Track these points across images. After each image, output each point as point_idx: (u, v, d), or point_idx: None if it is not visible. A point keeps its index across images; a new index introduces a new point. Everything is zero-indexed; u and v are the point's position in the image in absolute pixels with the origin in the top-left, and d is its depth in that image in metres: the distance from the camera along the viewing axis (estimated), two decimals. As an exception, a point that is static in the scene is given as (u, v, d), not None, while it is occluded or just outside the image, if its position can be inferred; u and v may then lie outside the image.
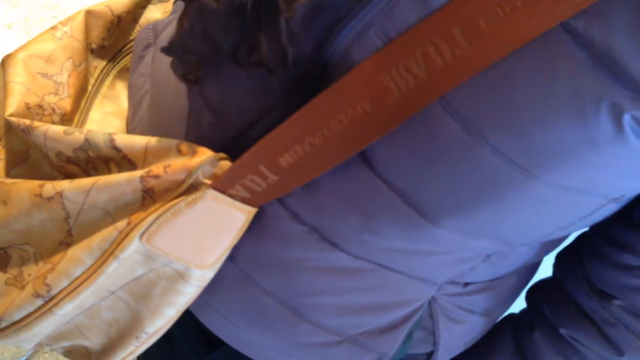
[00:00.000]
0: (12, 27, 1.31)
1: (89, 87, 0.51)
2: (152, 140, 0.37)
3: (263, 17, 0.31)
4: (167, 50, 0.33)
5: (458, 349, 0.46)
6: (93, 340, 0.49)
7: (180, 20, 0.33)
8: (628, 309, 0.40)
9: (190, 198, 0.35)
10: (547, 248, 0.41)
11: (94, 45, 0.51)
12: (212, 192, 0.35)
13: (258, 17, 0.31)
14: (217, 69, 0.35)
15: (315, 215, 0.35)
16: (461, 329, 0.43)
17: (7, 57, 0.46)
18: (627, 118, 0.27)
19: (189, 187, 0.36)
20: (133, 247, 0.37)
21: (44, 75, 0.45)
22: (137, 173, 0.36)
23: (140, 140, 0.37)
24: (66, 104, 0.46)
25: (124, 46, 0.55)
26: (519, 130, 0.28)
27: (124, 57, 0.55)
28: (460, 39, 0.27)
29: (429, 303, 0.41)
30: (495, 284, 0.43)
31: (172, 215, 0.36)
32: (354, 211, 0.34)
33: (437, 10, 0.28)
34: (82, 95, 0.49)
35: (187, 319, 0.50)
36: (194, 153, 0.35)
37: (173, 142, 0.36)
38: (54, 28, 0.48)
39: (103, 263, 0.38)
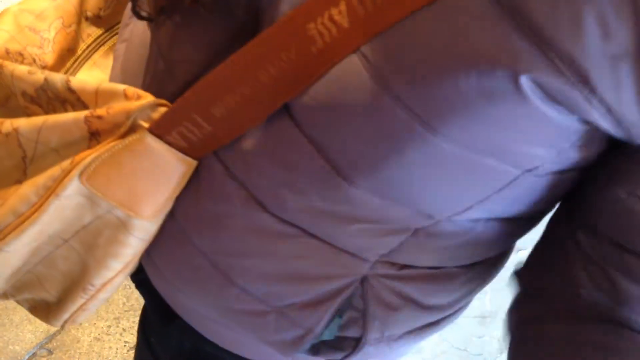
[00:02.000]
0: None
1: (79, 51, 0.53)
2: (103, 84, 0.38)
3: None
4: None
5: (396, 339, 0.44)
6: (51, 292, 0.50)
7: None
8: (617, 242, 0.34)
9: (127, 140, 0.36)
10: (489, 241, 0.39)
11: (89, 13, 0.54)
12: (149, 137, 0.36)
13: None
14: (171, 18, 0.37)
15: (244, 169, 0.36)
16: (396, 317, 0.41)
17: (4, 10, 0.49)
18: (524, 79, 0.26)
19: (128, 130, 0.36)
20: (73, 186, 0.38)
21: (32, 29, 0.48)
22: (82, 113, 0.37)
23: (92, 83, 0.38)
24: (48, 58, 0.48)
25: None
26: (419, 80, 0.28)
27: None
28: None
29: (362, 282, 0.40)
30: (437, 275, 0.41)
31: (110, 156, 0.37)
32: (276, 163, 0.34)
33: None
34: (69, 55, 0.51)
35: (153, 290, 0.51)
36: (137, 97, 0.36)
37: (121, 86, 0.37)
38: (50, -11, 0.51)
39: (45, 200, 0.39)
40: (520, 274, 0.40)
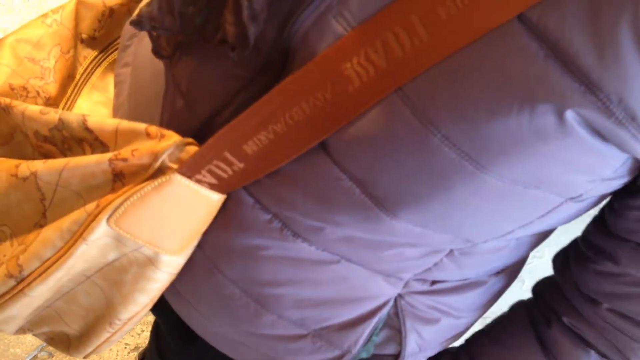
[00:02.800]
0: (7, 32, 1.34)
1: (77, 76, 0.51)
2: (122, 123, 0.37)
3: None
4: (135, 23, 0.33)
5: (432, 350, 0.45)
6: (72, 327, 0.49)
7: None
8: (617, 312, 0.39)
9: (156, 182, 0.35)
10: (518, 251, 0.41)
11: (84, 35, 0.52)
12: (178, 177, 0.35)
13: None
14: (189, 54, 0.36)
15: (276, 203, 0.35)
16: (432, 329, 0.42)
17: None
18: (569, 113, 0.27)
19: (155, 171, 0.36)
20: (101, 230, 0.37)
21: (31, 59, 0.46)
22: (106, 155, 0.36)
23: (111, 123, 0.37)
24: (51, 89, 0.46)
25: (117, 38, 0.56)
26: (468, 120, 0.28)
27: (116, 49, 0.56)
28: (420, 28, 0.28)
29: (395, 300, 0.41)
30: (466, 285, 0.42)
31: (138, 198, 0.36)
32: (311, 199, 0.34)
33: None
34: (69, 82, 0.50)
35: (170, 312, 0.51)
36: (161, 137, 0.35)
37: (142, 125, 0.36)
38: (44, 15, 0.49)
39: (72, 245, 0.38)
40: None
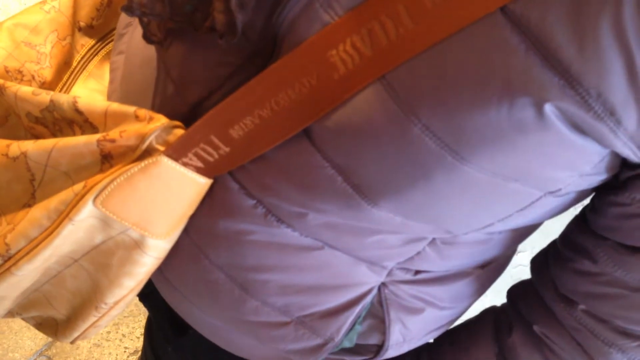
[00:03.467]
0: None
1: (74, 63, 0.52)
2: (112, 105, 0.37)
3: None
4: (125, 8, 0.34)
5: (416, 341, 0.45)
6: (60, 310, 0.50)
7: None
8: (592, 314, 0.39)
9: (143, 163, 0.36)
10: (502, 245, 0.41)
11: (81, 24, 0.52)
12: (164, 159, 0.36)
13: None
14: (180, 40, 0.36)
15: (260, 189, 0.36)
16: (417, 319, 0.43)
17: None
18: (548, 107, 0.27)
19: (143, 153, 0.36)
20: (87, 210, 0.37)
21: (28, 44, 0.47)
22: (95, 136, 0.36)
23: (101, 105, 0.37)
24: (46, 73, 0.47)
25: (115, 28, 0.56)
26: (449, 111, 0.28)
27: (113, 38, 0.56)
28: (405, 17, 0.28)
29: (379, 289, 0.41)
30: (451, 276, 0.42)
31: (125, 180, 0.36)
32: (294, 185, 0.34)
33: None
34: (65, 68, 0.50)
35: (161, 303, 0.51)
36: (150, 119, 0.36)
37: (131, 108, 0.36)
38: (43, 2, 0.50)
39: (59, 225, 0.38)
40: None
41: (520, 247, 0.49)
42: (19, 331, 1.28)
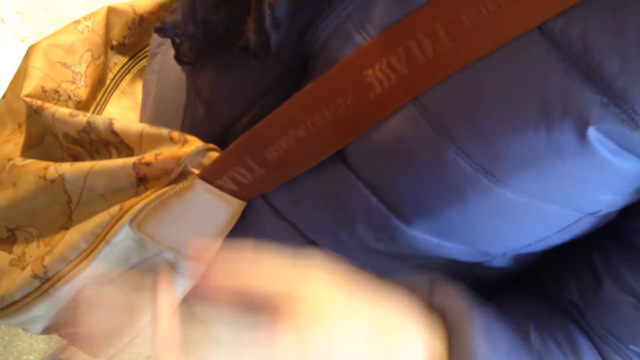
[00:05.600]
0: (26, 41, 1.35)
1: (107, 81, 0.52)
2: (147, 127, 0.37)
3: (251, 2, 0.31)
4: (159, 30, 0.34)
5: None
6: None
7: (177, 1, 0.33)
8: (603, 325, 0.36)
9: (178, 187, 0.36)
10: (536, 260, 0.39)
11: (114, 42, 0.53)
12: (200, 182, 0.35)
13: (247, 2, 0.31)
14: (211, 62, 0.36)
15: (294, 212, 0.35)
16: None
17: (32, 46, 0.48)
18: (591, 131, 0.26)
19: (178, 176, 0.36)
20: (123, 233, 0.37)
21: (63, 64, 0.47)
22: (131, 160, 0.36)
23: (136, 127, 0.37)
24: (82, 93, 0.47)
25: (146, 45, 0.57)
26: (484, 134, 0.27)
27: (145, 56, 0.57)
28: (443, 35, 0.27)
29: None
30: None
31: (161, 203, 0.36)
32: (329, 208, 0.34)
33: (421, 7, 0.28)
34: (99, 87, 0.51)
35: None
36: (184, 142, 0.36)
37: (165, 130, 0.36)
38: (76, 22, 0.50)
39: (95, 248, 0.38)
40: None
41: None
42: (33, 334, 1.31)
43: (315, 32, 0.31)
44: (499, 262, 0.36)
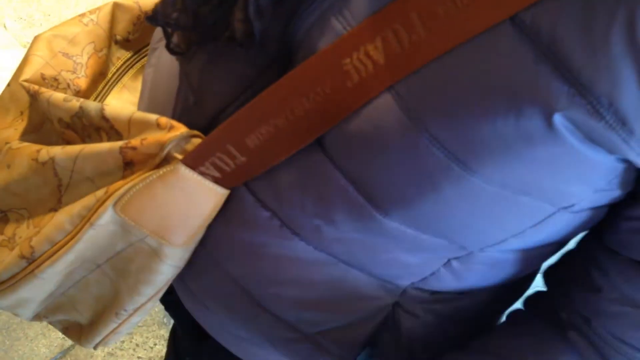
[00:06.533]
0: (28, 46, 1.40)
1: (109, 75, 0.53)
2: (136, 113, 0.38)
3: None
4: (149, 18, 0.34)
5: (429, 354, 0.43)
6: (84, 315, 0.50)
7: None
8: (608, 331, 0.36)
9: (161, 171, 0.36)
10: (518, 267, 0.39)
11: (118, 37, 0.54)
12: (182, 167, 0.36)
13: None
14: (201, 52, 0.37)
15: (275, 200, 0.35)
16: (431, 337, 0.41)
17: (36, 37, 0.50)
18: (557, 117, 0.26)
19: (162, 161, 0.36)
20: (107, 215, 0.38)
21: (65, 54, 0.49)
22: (118, 144, 0.37)
23: (126, 112, 0.38)
24: (82, 83, 0.49)
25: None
26: (456, 121, 0.28)
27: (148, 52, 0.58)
28: (418, 24, 0.28)
29: (393, 307, 0.40)
30: (466, 298, 0.40)
31: (144, 187, 0.37)
32: (308, 196, 0.34)
33: None
34: (100, 79, 0.52)
35: (185, 311, 0.51)
36: (170, 128, 0.36)
37: (154, 116, 0.37)
38: (82, 15, 0.52)
39: (81, 230, 0.39)
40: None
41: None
42: (34, 338, 1.32)
43: (297, 22, 0.32)
44: (478, 257, 0.36)
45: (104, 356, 1.33)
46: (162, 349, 1.34)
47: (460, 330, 0.43)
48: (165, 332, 1.36)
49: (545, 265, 0.42)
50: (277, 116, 0.32)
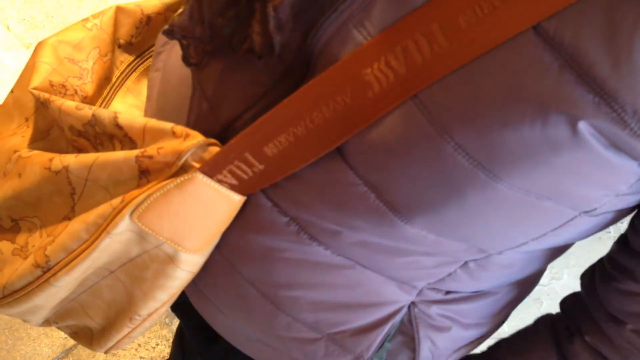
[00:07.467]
0: (31, 48, 1.38)
1: (114, 79, 0.53)
2: (150, 121, 0.38)
3: (256, 5, 0.32)
4: (167, 32, 0.35)
5: (444, 358, 0.44)
6: (95, 320, 0.51)
7: (184, 5, 0.34)
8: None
9: (179, 180, 0.36)
10: (533, 265, 0.40)
11: (121, 41, 0.54)
12: (200, 176, 0.36)
13: (252, 5, 0.32)
14: (215, 61, 0.37)
15: (293, 207, 0.36)
16: (444, 337, 0.42)
17: (40, 42, 0.49)
18: (583, 125, 0.27)
19: (179, 170, 0.37)
20: (124, 224, 0.38)
21: (71, 60, 0.48)
22: (133, 152, 0.37)
23: (140, 120, 0.38)
24: (88, 88, 0.48)
25: (153, 45, 0.58)
26: (482, 129, 0.28)
27: (151, 55, 0.58)
28: (440, 36, 0.28)
29: (409, 308, 0.40)
30: (480, 296, 0.41)
31: (161, 195, 0.37)
32: (327, 203, 0.34)
33: (418, 8, 0.29)
34: (105, 84, 0.52)
35: (193, 313, 0.51)
36: (186, 136, 0.36)
37: (169, 124, 0.37)
38: (85, 20, 0.51)
39: (97, 238, 0.39)
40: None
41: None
42: (36, 338, 1.31)
43: (317, 32, 0.32)
44: (495, 259, 0.37)
45: (106, 356, 1.33)
46: (164, 349, 1.34)
47: (473, 329, 0.44)
48: (167, 333, 1.36)
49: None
50: (297, 125, 0.33)
